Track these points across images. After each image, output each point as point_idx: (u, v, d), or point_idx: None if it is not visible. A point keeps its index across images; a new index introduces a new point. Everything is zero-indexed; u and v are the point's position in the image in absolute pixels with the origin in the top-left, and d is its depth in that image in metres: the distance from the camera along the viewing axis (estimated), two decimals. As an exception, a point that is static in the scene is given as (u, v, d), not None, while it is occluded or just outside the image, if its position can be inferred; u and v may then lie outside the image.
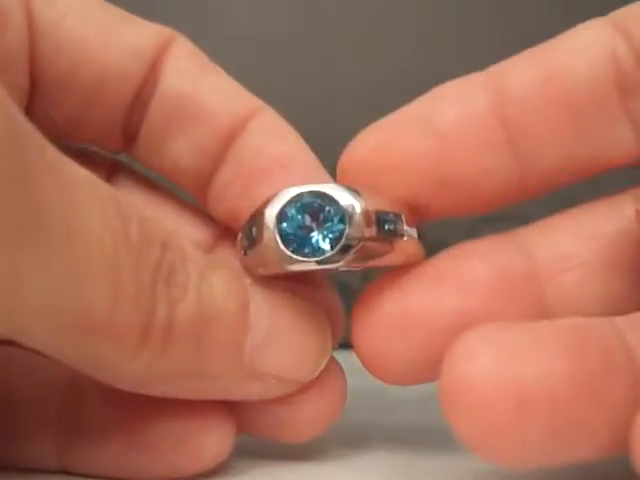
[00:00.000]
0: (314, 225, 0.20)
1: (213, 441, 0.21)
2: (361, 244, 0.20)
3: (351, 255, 0.20)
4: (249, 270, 0.21)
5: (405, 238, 0.21)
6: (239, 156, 0.23)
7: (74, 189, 0.17)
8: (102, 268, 0.17)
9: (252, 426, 0.22)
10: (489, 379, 0.17)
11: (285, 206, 0.20)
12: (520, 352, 0.18)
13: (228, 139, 0.23)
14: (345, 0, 0.38)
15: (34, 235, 0.16)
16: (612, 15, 0.22)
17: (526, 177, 0.22)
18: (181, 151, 0.24)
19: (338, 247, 0.20)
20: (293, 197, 0.20)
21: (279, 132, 0.24)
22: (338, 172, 0.22)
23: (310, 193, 0.20)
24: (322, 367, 0.22)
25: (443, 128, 0.22)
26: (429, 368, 0.20)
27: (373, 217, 0.20)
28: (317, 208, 0.20)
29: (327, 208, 0.20)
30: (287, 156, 0.23)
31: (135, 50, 0.23)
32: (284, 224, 0.20)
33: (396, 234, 0.21)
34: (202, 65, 0.24)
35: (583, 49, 0.21)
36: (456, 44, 0.37)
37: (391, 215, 0.21)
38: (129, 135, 0.24)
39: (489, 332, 0.18)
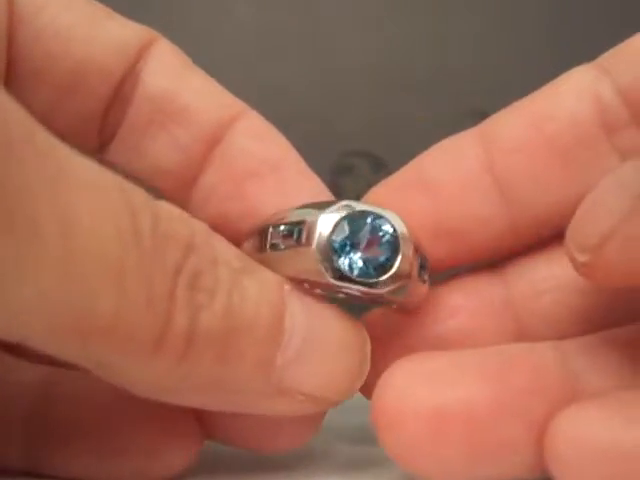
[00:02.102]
0: (364, 246, 0.20)
1: (179, 448, 0.21)
2: (408, 277, 0.20)
3: (396, 286, 0.20)
4: (270, 268, 0.20)
5: (426, 283, 0.22)
6: (227, 158, 0.23)
7: (68, 178, 0.16)
8: (104, 268, 0.16)
9: (228, 435, 0.22)
10: (406, 402, 0.19)
11: (343, 218, 0.20)
12: (439, 378, 0.20)
13: (212, 140, 0.23)
14: (350, 2, 0.38)
15: (19, 227, 0.15)
16: (597, 59, 0.23)
17: (519, 224, 0.23)
18: (163, 151, 0.23)
19: (388, 275, 0.20)
20: (351, 213, 0.20)
21: (266, 134, 0.24)
22: None
23: (368, 213, 0.20)
24: (358, 386, 0.20)
25: (437, 184, 0.23)
26: None
27: (418, 255, 0.20)
28: (372, 230, 0.20)
29: (381, 233, 0.20)
30: (277, 158, 0.23)
31: (117, 45, 0.23)
32: (337, 236, 0.20)
33: (425, 277, 0.21)
34: (185, 66, 0.24)
35: (565, 92, 0.22)
36: (456, 44, 0.37)
37: (425, 257, 0.21)
38: (106, 135, 0.24)
39: (416, 360, 0.20)
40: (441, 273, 0.23)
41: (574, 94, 0.22)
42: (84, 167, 0.17)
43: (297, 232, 0.20)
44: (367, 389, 0.21)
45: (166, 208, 0.18)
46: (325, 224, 0.19)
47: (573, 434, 0.18)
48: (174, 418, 0.21)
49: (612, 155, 0.22)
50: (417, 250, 0.20)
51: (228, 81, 0.34)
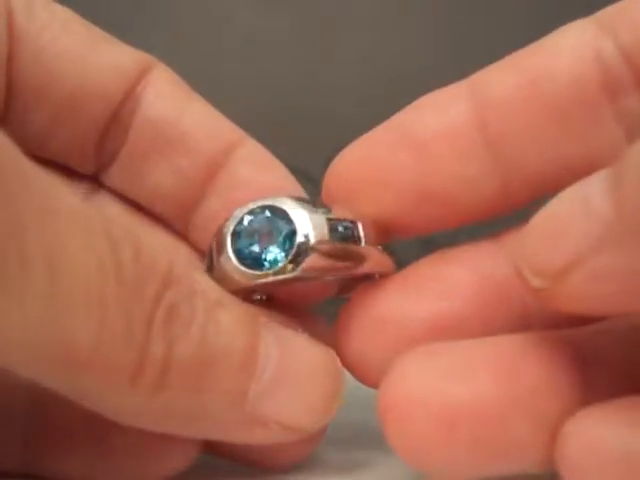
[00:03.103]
0: (267, 239, 0.20)
1: (176, 450, 0.21)
2: (314, 250, 0.20)
3: (306, 263, 0.20)
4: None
5: (363, 244, 0.21)
6: (228, 186, 0.23)
7: (56, 217, 0.16)
8: (86, 302, 0.16)
9: (226, 450, 0.22)
10: (416, 397, 0.19)
11: (239, 223, 0.20)
12: (450, 372, 0.19)
13: (213, 168, 0.23)
14: (345, 0, 0.38)
15: (8, 265, 0.15)
16: (597, 14, 0.21)
17: (510, 185, 0.21)
18: (163, 177, 0.23)
19: (291, 256, 0.20)
20: (245, 212, 0.21)
21: (266, 163, 0.24)
22: (323, 188, 0.22)
23: (260, 208, 0.21)
24: (333, 414, 0.21)
25: (422, 140, 0.21)
26: None
27: (325, 224, 0.20)
28: (268, 222, 0.20)
29: (278, 221, 0.20)
30: (278, 187, 0.23)
31: (115, 68, 0.23)
32: (239, 241, 0.20)
33: (349, 240, 0.21)
34: (184, 92, 0.24)
35: (564, 50, 0.21)
36: (456, 43, 0.38)
37: (345, 222, 0.21)
38: (104, 158, 0.24)
39: (426, 352, 0.20)
40: (439, 240, 0.22)
41: (574, 51, 0.21)
42: (70, 200, 0.17)
43: (212, 251, 0.21)
44: (362, 372, 0.21)
45: (146, 240, 0.18)
46: (225, 235, 0.21)
47: (585, 439, 0.17)
48: None
49: (611, 117, 0.21)
50: (327, 219, 0.21)
51: (229, 84, 0.34)
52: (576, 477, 0.18)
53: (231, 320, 0.19)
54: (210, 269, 0.21)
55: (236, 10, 0.37)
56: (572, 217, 0.17)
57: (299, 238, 0.20)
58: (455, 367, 0.19)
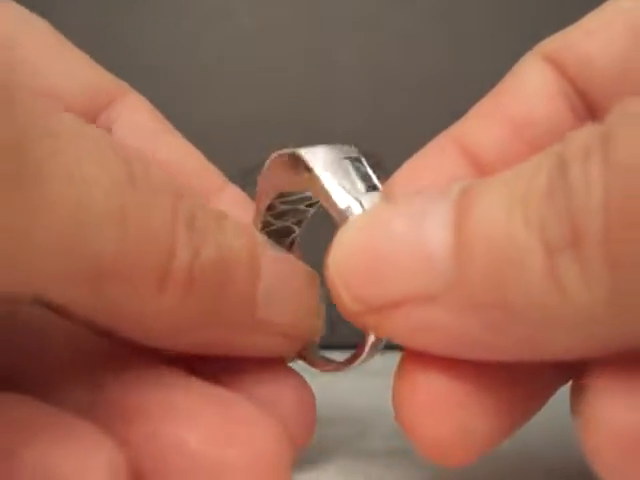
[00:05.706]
0: None
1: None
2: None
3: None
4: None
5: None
6: None
7: (66, 130, 0.17)
8: (106, 211, 0.17)
9: None
10: None
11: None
12: None
13: None
14: (345, 0, 0.38)
15: (27, 178, 0.16)
16: (542, 47, 0.22)
17: None
18: None
19: None
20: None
21: (248, 209, 0.24)
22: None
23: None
24: (322, 323, 0.22)
25: None
26: None
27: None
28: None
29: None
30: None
31: (78, 84, 0.23)
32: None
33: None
34: (162, 125, 0.24)
35: (536, 92, 0.22)
36: (455, 44, 0.37)
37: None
38: None
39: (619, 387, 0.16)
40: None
41: (545, 92, 0.22)
42: (76, 122, 0.18)
43: None
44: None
45: (156, 168, 0.19)
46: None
47: None
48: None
49: None
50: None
51: (228, 84, 0.34)
52: None
53: (235, 231, 0.20)
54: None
55: (236, 13, 0.38)
56: (407, 258, 0.18)
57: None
58: None
